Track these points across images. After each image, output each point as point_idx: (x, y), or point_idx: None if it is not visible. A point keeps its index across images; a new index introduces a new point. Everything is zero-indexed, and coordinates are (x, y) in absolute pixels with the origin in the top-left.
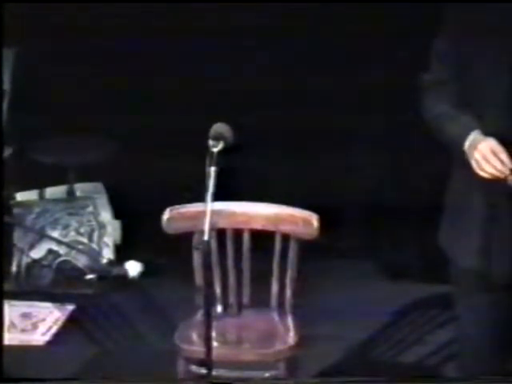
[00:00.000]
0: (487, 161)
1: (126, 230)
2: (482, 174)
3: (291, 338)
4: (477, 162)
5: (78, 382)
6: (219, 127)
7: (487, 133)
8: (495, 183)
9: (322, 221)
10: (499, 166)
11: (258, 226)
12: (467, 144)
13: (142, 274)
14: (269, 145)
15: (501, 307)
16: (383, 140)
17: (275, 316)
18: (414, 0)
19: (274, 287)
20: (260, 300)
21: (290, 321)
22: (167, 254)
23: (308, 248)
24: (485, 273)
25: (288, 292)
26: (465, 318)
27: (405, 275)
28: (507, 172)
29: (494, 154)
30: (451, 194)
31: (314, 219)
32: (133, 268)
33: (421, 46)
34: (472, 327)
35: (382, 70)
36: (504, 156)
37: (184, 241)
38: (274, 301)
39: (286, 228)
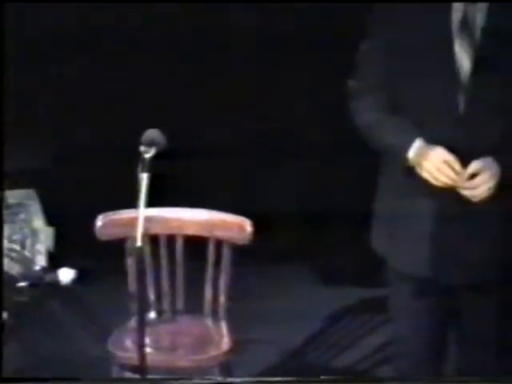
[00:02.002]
0: (441, 171)
1: (58, 237)
2: (435, 183)
3: (225, 343)
4: (429, 172)
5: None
6: (151, 133)
7: (429, 139)
8: (441, 190)
9: (255, 226)
10: (453, 175)
11: (191, 231)
12: (412, 152)
13: (75, 281)
14: (203, 150)
15: (438, 311)
16: (318, 145)
17: (209, 321)
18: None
19: (208, 293)
20: (194, 306)
21: (224, 326)
22: (100, 260)
23: (242, 253)
24: (424, 277)
25: (222, 297)
26: (402, 321)
27: (338, 280)
28: (461, 181)
29: (447, 163)
30: (386, 199)
31: (247, 225)
32: (65, 275)
33: None
34: (409, 330)
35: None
36: (457, 165)
37: (117, 247)
38: (207, 306)
39: (219, 233)
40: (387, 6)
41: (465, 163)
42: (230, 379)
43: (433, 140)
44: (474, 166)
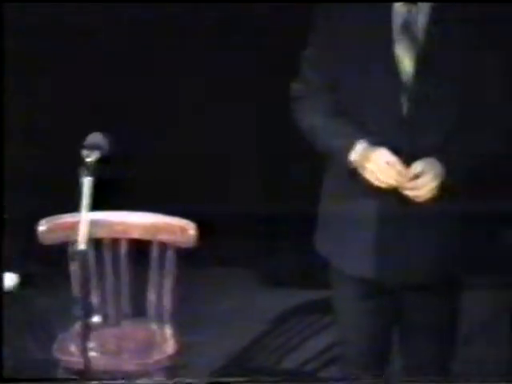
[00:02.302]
0: (384, 172)
1: (0, 242)
2: (378, 184)
3: (170, 346)
4: (372, 173)
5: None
6: (94, 137)
7: (372, 141)
8: (386, 191)
9: (200, 229)
10: (396, 176)
11: (135, 235)
12: (356, 154)
13: (19, 285)
14: (147, 154)
15: (382, 312)
16: (257, 150)
17: (154, 325)
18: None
19: (152, 296)
20: (139, 309)
21: (168, 330)
22: (44, 264)
23: (187, 256)
24: (369, 278)
25: (166, 301)
26: (346, 322)
27: (284, 281)
28: (404, 181)
29: (390, 164)
30: (331, 201)
31: (191, 228)
32: (9, 280)
33: None
34: (353, 331)
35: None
36: (400, 166)
37: (61, 251)
38: (152, 310)
39: (163, 237)
40: (329, 9)
41: (409, 164)
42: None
43: (376, 142)
44: (417, 166)
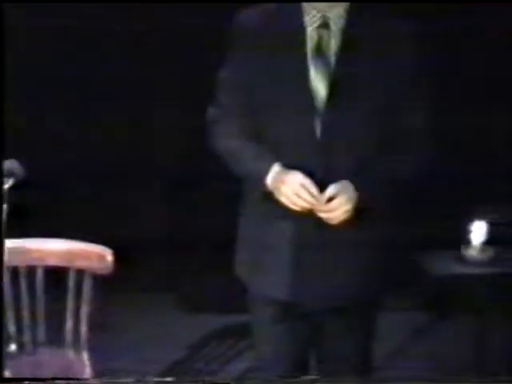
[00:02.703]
0: (298, 195)
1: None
2: (293, 207)
3: (87, 374)
4: (287, 196)
5: (78, 382)
6: (9, 164)
7: (287, 165)
8: (302, 214)
9: (117, 255)
10: (310, 199)
11: (52, 262)
12: (271, 177)
13: None
14: (63, 181)
15: (299, 335)
16: (176, 178)
17: (70, 353)
18: None
19: (69, 324)
20: (56, 337)
21: (85, 357)
22: None
23: (105, 283)
24: (286, 301)
25: (83, 328)
26: (264, 346)
27: (203, 306)
28: (318, 204)
29: (304, 187)
30: (249, 225)
31: (107, 254)
32: None
33: None
34: (271, 355)
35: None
36: (313, 189)
37: None
38: (69, 337)
39: (80, 263)
40: (244, 33)
41: (323, 187)
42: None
43: (292, 165)
44: (331, 189)
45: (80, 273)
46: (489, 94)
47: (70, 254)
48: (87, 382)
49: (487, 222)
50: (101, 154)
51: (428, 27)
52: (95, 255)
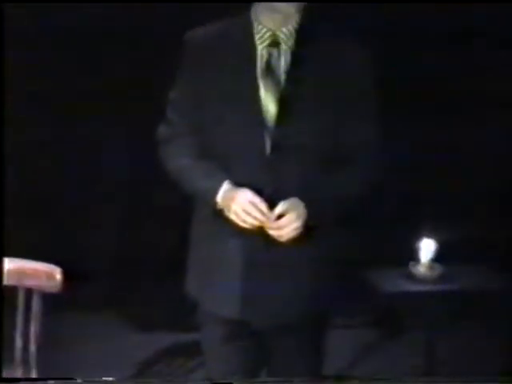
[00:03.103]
0: (247, 213)
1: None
2: (243, 225)
3: None
4: (236, 214)
5: (78, 382)
6: None
7: (237, 182)
8: (252, 231)
9: (66, 274)
10: (259, 216)
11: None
12: (220, 195)
13: None
14: (12, 199)
15: (249, 352)
16: (126, 198)
17: (19, 372)
18: None
19: (18, 343)
20: (6, 356)
21: (34, 376)
22: None
23: (54, 301)
24: (236, 319)
25: (32, 347)
26: (214, 363)
27: (151, 325)
28: (267, 222)
29: (253, 204)
30: (200, 243)
31: (56, 273)
32: None
33: None
34: (221, 373)
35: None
36: (263, 206)
37: None
38: (18, 356)
39: (29, 282)
40: (194, 51)
41: (273, 204)
42: None
43: (241, 182)
44: (281, 206)
45: (29, 292)
46: (440, 108)
47: (19, 273)
48: (88, 381)
49: (435, 240)
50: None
51: (375, 43)
52: (44, 274)
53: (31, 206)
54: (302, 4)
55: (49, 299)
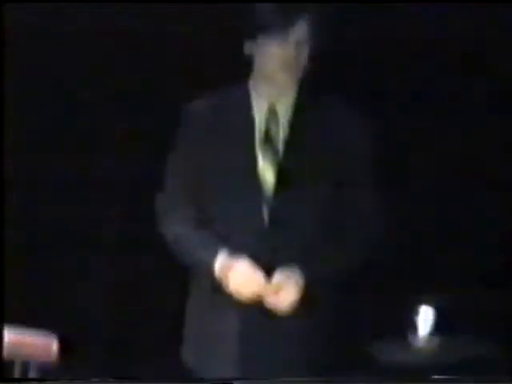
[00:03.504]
0: (245, 282)
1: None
2: (240, 295)
3: None
4: (234, 284)
5: (77, 382)
6: None
7: (235, 251)
8: (249, 302)
9: (62, 343)
10: (257, 287)
11: None
12: (218, 265)
13: None
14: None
15: None
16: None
17: None
18: None
19: None
20: None
21: None
22: None
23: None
24: None
25: None
26: None
27: None
28: (265, 292)
29: (251, 275)
30: (196, 313)
31: (53, 343)
32: None
33: None
34: None
35: None
36: (260, 277)
37: None
38: None
39: (25, 353)
40: (193, 121)
41: (271, 274)
42: None
43: (239, 252)
44: (278, 277)
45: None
46: (438, 175)
47: (15, 346)
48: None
49: (434, 309)
50: None
51: (374, 114)
52: (40, 345)
53: (30, 271)
54: (299, 74)
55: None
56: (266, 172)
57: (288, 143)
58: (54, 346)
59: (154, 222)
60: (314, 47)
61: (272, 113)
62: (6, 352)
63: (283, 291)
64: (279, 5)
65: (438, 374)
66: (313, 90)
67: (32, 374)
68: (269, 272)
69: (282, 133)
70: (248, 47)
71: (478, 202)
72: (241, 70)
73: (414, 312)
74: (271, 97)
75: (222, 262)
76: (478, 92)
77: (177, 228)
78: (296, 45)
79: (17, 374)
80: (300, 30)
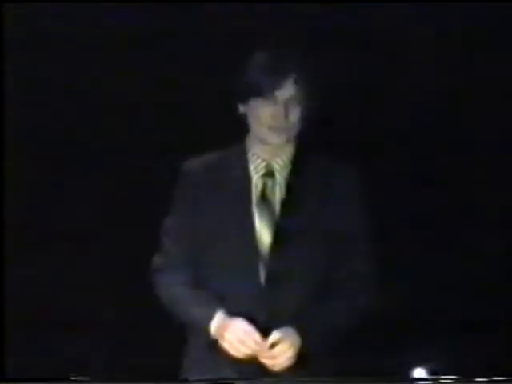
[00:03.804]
0: (241, 342)
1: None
2: (236, 354)
3: None
4: (230, 343)
5: (77, 382)
6: None
7: (231, 311)
8: (245, 361)
9: None
10: (253, 346)
11: None
12: (214, 325)
13: None
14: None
15: None
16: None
17: None
18: None
19: None
20: None
21: None
22: None
23: None
24: None
25: None
26: None
27: None
28: (261, 351)
29: (247, 334)
30: (193, 372)
31: None
32: None
33: None
34: None
35: None
36: (257, 336)
37: None
38: None
39: None
40: (190, 182)
41: (267, 332)
42: None
43: (236, 311)
44: (274, 336)
45: None
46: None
47: None
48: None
49: (428, 370)
50: None
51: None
52: None
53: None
54: (292, 134)
55: None
56: (263, 232)
57: (285, 203)
58: None
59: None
60: (308, 107)
61: (268, 172)
62: None
63: (278, 349)
64: (267, 65)
65: None
66: (309, 150)
67: None
68: (265, 332)
69: (278, 192)
70: (241, 107)
71: (470, 250)
72: (239, 130)
73: (409, 370)
74: (267, 156)
75: (218, 322)
76: (465, 139)
77: (173, 288)
78: (285, 104)
79: None
80: (288, 90)
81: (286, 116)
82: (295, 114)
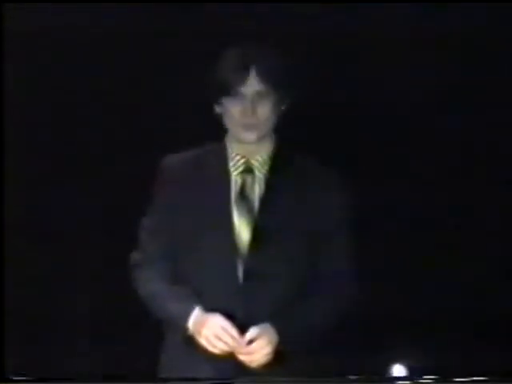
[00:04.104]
0: (218, 338)
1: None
2: (213, 350)
3: None
4: (207, 339)
5: (76, 383)
6: None
7: (209, 307)
8: (222, 357)
9: None
10: (230, 342)
11: None
12: (192, 320)
13: None
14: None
15: None
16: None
17: None
18: None
19: None
20: None
21: None
22: None
23: None
24: None
25: None
26: None
27: None
28: (238, 347)
29: (224, 330)
30: (169, 367)
31: None
32: None
33: None
34: None
35: None
36: (234, 331)
37: None
38: None
39: None
40: (168, 179)
41: (245, 329)
42: None
43: (213, 308)
44: (252, 332)
45: None
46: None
47: None
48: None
49: (407, 369)
50: None
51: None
52: None
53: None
54: (265, 132)
55: None
56: (242, 228)
57: (264, 200)
58: None
59: None
60: (281, 104)
61: (247, 169)
62: None
63: (256, 345)
64: (232, 63)
65: None
66: (288, 147)
67: None
68: (243, 328)
69: (257, 189)
70: (217, 108)
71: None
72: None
73: (388, 367)
74: (246, 153)
75: (195, 318)
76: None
77: (151, 284)
78: (252, 101)
79: None
80: (253, 86)
81: (254, 112)
82: (265, 110)
